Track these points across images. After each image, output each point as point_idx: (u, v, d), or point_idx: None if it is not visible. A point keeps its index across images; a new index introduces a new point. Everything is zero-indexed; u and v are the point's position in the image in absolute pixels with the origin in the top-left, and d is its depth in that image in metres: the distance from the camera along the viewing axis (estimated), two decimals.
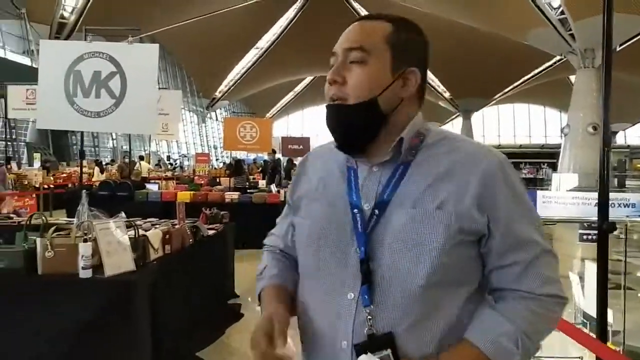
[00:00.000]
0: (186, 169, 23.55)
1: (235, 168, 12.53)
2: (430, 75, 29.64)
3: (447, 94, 31.37)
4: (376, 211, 0.96)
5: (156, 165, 21.83)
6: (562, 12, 14.07)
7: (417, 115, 1.02)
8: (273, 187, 9.28)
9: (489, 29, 18.15)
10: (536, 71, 26.88)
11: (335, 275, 0.97)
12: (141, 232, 3.29)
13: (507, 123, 41.73)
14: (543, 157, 29.83)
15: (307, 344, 1.04)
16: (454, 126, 38.41)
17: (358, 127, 0.98)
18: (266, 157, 20.20)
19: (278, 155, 14.70)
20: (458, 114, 34.16)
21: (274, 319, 0.97)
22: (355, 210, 0.97)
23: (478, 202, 0.92)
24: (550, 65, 24.89)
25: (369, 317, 0.92)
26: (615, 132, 34.39)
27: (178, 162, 26.28)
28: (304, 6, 29.32)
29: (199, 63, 28.92)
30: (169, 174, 18.53)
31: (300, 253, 1.08)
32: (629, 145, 34.24)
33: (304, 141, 16.05)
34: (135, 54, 5.11)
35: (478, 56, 23.04)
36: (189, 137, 32.24)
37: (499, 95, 30.49)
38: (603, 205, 2.52)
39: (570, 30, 14.09)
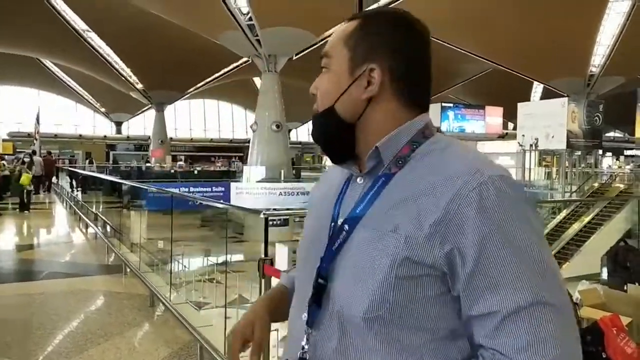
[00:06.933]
0: None
1: None
2: (122, 65, 28.18)
3: (139, 85, 30.34)
4: (345, 226, 0.85)
5: None
6: (251, 19, 15.22)
7: (415, 120, 0.88)
8: None
9: (183, 25, 18.31)
10: (225, 70, 28.47)
11: (300, 293, 0.91)
12: None
13: (199, 118, 43.09)
14: (232, 151, 32.63)
15: None
16: (146, 118, 37.61)
17: (325, 137, 0.92)
18: None
19: None
20: (150, 106, 33.55)
21: (256, 325, 0.96)
22: (333, 224, 0.88)
23: (439, 230, 0.75)
24: (238, 66, 26.68)
25: (305, 343, 0.84)
26: (290, 130, 39.55)
27: None
28: None
29: None
30: None
31: None
32: (300, 142, 40.04)
33: None
34: None
35: (173, 49, 22.97)
36: None
37: (191, 89, 31.14)
38: None
39: (257, 36, 15.43)
